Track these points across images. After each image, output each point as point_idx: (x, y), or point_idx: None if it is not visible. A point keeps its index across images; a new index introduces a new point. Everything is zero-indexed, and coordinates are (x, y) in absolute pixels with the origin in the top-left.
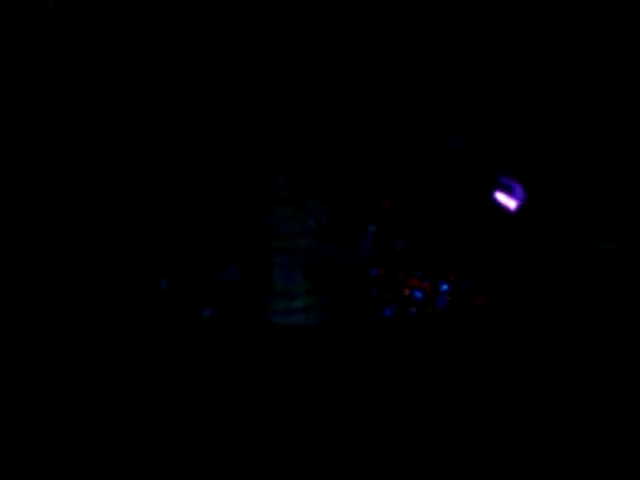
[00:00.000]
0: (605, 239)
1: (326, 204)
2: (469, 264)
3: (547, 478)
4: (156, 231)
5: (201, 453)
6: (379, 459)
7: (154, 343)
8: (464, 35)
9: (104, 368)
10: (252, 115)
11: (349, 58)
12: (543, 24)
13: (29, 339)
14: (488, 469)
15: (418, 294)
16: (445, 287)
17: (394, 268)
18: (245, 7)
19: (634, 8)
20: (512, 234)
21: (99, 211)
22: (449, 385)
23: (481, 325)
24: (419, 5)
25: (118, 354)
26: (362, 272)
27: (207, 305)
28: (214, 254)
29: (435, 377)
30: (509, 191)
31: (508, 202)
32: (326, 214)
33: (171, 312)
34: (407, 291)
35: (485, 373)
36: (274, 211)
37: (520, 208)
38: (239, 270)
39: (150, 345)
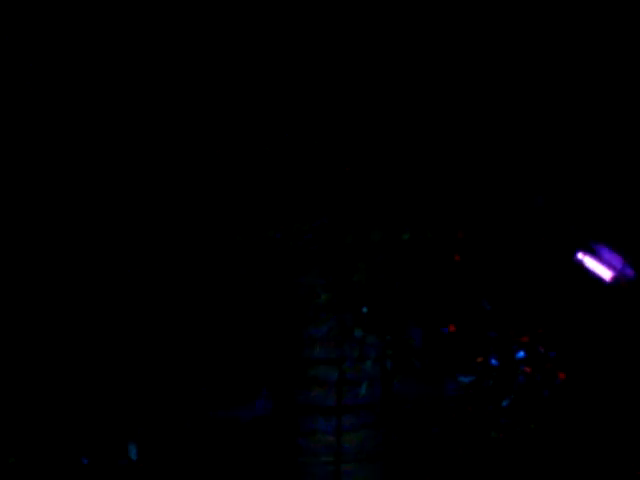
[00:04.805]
0: None
1: (391, 337)
2: (548, 330)
3: None
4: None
5: None
6: None
7: None
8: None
9: None
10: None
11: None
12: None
13: None
14: None
15: (493, 361)
16: (521, 354)
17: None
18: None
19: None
20: (603, 304)
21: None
22: None
23: (565, 404)
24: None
25: None
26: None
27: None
28: (216, 386)
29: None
30: (601, 258)
31: (601, 270)
32: (393, 352)
33: None
34: (481, 358)
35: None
36: (312, 348)
37: (618, 279)
38: (265, 403)
39: None
